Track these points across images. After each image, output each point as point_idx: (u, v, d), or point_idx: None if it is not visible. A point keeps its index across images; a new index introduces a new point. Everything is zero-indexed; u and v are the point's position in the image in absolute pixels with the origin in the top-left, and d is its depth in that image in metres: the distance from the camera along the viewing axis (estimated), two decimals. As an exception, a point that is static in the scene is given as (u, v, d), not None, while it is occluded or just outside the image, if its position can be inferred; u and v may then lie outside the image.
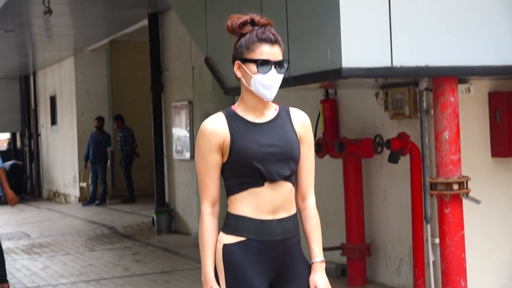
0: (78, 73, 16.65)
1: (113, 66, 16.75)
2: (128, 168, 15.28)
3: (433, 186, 5.41)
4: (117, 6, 11.24)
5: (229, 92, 6.40)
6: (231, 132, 2.91)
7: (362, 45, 4.83)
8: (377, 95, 6.71)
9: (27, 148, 20.71)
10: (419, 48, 4.97)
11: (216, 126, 2.93)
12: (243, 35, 2.93)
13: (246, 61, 2.91)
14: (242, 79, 2.94)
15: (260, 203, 2.91)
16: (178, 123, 11.32)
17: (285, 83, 5.65)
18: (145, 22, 12.21)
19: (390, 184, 6.73)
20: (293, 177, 3.00)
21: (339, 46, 4.75)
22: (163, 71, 11.86)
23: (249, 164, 2.89)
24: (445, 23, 5.04)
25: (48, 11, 10.06)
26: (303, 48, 5.33)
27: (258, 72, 2.89)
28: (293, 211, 3.00)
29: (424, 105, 6.13)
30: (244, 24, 2.94)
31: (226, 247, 2.91)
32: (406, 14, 4.94)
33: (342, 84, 6.28)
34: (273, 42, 2.90)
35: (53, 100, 18.64)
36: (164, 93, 11.83)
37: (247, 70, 2.91)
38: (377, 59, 4.85)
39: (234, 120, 2.94)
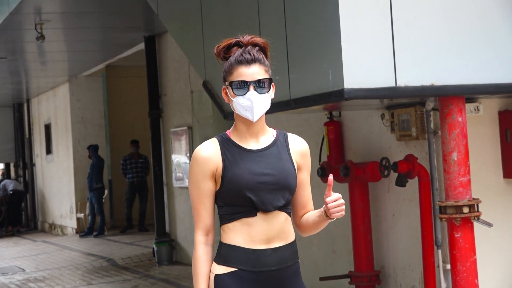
0: (73, 100, 16.73)
1: (109, 92, 16.83)
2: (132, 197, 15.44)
3: (443, 209, 5.40)
4: (112, 30, 11.33)
5: (228, 117, 6.44)
6: (224, 160, 2.92)
7: (364, 65, 4.85)
8: (382, 116, 6.73)
9: (21, 179, 20.74)
10: (424, 67, 4.99)
11: (209, 152, 2.94)
12: (228, 59, 2.96)
13: (229, 85, 2.94)
14: (230, 103, 2.96)
15: (253, 233, 2.91)
16: (177, 149, 11.35)
17: (286, 106, 5.70)
18: (141, 46, 12.30)
19: (398, 208, 6.73)
20: (288, 207, 2.99)
21: (341, 67, 4.78)
22: (161, 96, 11.91)
23: (241, 194, 2.89)
24: (450, 41, 5.07)
25: (41, 37, 10.15)
26: (303, 69, 5.37)
27: (236, 94, 2.91)
28: (290, 239, 2.98)
29: (432, 125, 6.15)
30: (228, 47, 2.96)
31: (217, 277, 2.91)
32: (410, 31, 4.97)
33: (345, 105, 6.30)
34: (249, 62, 2.90)
35: (48, 128, 18.70)
36: (163, 119, 11.88)
37: (229, 94, 2.95)
38: (381, 79, 4.87)
39: (227, 147, 2.95)
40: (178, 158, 11.36)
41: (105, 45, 12.94)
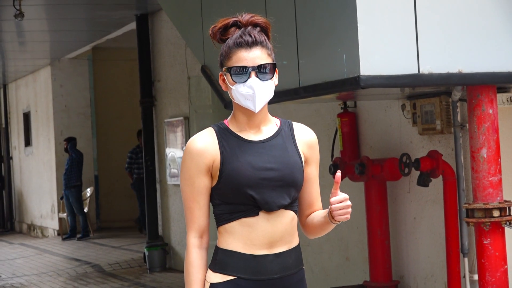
0: (55, 86, 16.75)
1: (96, 77, 16.85)
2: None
3: (470, 213, 5.41)
4: (100, 7, 11.33)
5: (229, 106, 6.43)
6: (222, 152, 2.90)
7: (383, 49, 4.85)
8: (403, 107, 6.74)
9: (-3, 174, 20.79)
10: (450, 52, 4.99)
11: (205, 144, 2.92)
12: (225, 41, 2.94)
13: (226, 71, 2.92)
14: (228, 91, 2.95)
15: (253, 236, 2.89)
16: (172, 142, 11.37)
17: (294, 95, 5.71)
18: (133, 26, 12.30)
19: (420, 211, 6.73)
20: (295, 205, 2.97)
21: (357, 51, 4.78)
22: (155, 82, 11.92)
23: (241, 191, 2.87)
24: (480, 22, 5.06)
25: (20, 14, 10.14)
26: (314, 54, 5.37)
27: (235, 82, 2.88)
28: (294, 243, 2.97)
29: (459, 118, 6.15)
30: (225, 28, 2.94)
31: (213, 287, 2.90)
32: (435, 12, 4.97)
33: (361, 95, 6.30)
34: (250, 44, 2.88)
35: (26, 117, 18.74)
36: (156, 108, 11.89)
37: (227, 81, 2.92)
38: (402, 65, 4.87)
39: (225, 137, 2.93)
40: (173, 152, 11.38)
41: (91, 24, 12.94)
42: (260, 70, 2.88)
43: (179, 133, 11.18)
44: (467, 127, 5.77)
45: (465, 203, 5.53)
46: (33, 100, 18.18)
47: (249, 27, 2.91)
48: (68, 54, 16.05)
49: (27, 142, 18.79)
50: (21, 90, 19.14)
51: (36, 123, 18.05)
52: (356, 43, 4.78)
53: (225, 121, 3.00)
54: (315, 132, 3.13)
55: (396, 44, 4.87)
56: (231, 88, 2.90)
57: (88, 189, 16.02)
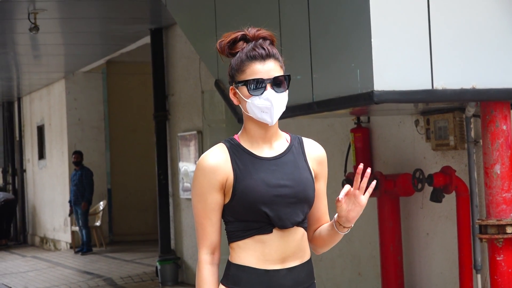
0: (69, 99, 16.82)
1: (110, 91, 16.91)
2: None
3: (483, 229, 5.39)
4: (114, 21, 11.39)
5: (242, 120, 6.45)
6: (235, 169, 2.90)
7: (397, 64, 4.86)
8: (417, 122, 6.73)
9: (10, 187, 20.86)
10: (464, 68, 4.99)
11: (218, 160, 2.91)
12: (234, 55, 2.95)
13: (238, 84, 2.92)
14: (240, 105, 2.95)
15: (266, 251, 2.90)
16: (185, 156, 11.39)
17: (308, 109, 5.72)
18: (147, 40, 12.35)
19: (433, 227, 6.72)
20: (306, 221, 2.98)
21: (371, 66, 4.79)
22: (168, 96, 11.96)
23: (255, 208, 2.87)
24: (494, 38, 5.07)
25: (35, 28, 10.22)
26: (328, 68, 5.38)
27: (251, 95, 2.88)
28: (306, 257, 2.98)
29: (472, 134, 6.14)
30: (233, 42, 2.95)
31: (226, 302, 2.91)
32: (449, 27, 4.98)
33: (375, 110, 6.30)
34: (264, 57, 2.89)
35: (40, 130, 18.81)
36: (170, 122, 11.92)
37: (241, 95, 2.91)
38: (415, 80, 4.88)
39: (238, 154, 2.93)
40: (186, 166, 11.39)
41: (106, 38, 13.00)
42: (276, 82, 2.89)
43: (192, 147, 11.20)
44: (481, 143, 5.77)
45: (478, 219, 5.52)
46: (47, 113, 18.26)
47: (260, 40, 2.93)
48: (82, 67, 16.12)
49: (41, 155, 18.85)
50: (35, 103, 19.23)
51: (49, 136, 18.11)
52: (370, 58, 4.79)
53: (236, 137, 2.99)
54: (328, 147, 3.15)
55: (410, 60, 4.88)
56: (246, 102, 2.90)
57: (101, 203, 16.05)
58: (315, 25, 5.47)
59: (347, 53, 5.10)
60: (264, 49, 2.90)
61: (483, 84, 5.00)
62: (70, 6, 10.38)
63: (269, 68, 2.89)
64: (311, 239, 3.08)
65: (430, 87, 4.89)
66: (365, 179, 2.89)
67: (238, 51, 2.93)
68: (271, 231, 2.90)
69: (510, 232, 5.29)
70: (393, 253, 6.81)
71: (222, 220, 2.97)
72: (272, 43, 2.95)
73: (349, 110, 6.02)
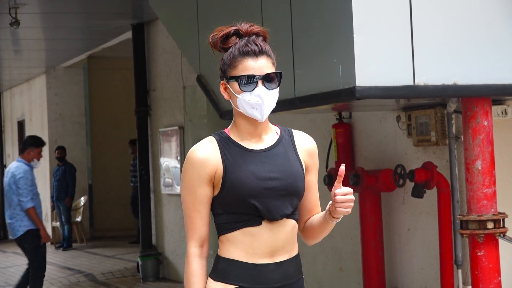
0: (50, 94, 16.74)
1: (91, 86, 16.85)
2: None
3: (464, 224, 5.42)
4: (96, 16, 11.34)
5: (225, 116, 6.45)
6: (224, 162, 2.91)
7: (379, 60, 4.87)
8: (398, 118, 6.75)
9: (-10, 182, 20.74)
10: (446, 64, 5.00)
11: (207, 153, 2.92)
12: (227, 50, 2.95)
13: (230, 79, 2.92)
14: (230, 100, 2.96)
15: (255, 245, 2.90)
16: (167, 151, 11.36)
17: (290, 105, 5.71)
18: (128, 35, 12.30)
19: (414, 222, 6.74)
20: (296, 213, 2.99)
21: (352, 62, 4.79)
22: (150, 91, 11.93)
23: (244, 201, 2.88)
24: (476, 35, 5.08)
25: (15, 22, 10.15)
26: (310, 64, 5.38)
27: (242, 90, 2.89)
28: (294, 252, 2.99)
29: (454, 130, 6.16)
30: (226, 37, 2.95)
31: (214, 295, 2.91)
32: (431, 23, 4.98)
33: (357, 106, 6.31)
34: (257, 53, 2.89)
35: (21, 125, 18.71)
36: (151, 117, 11.89)
37: (232, 90, 2.92)
38: (397, 76, 4.89)
39: (227, 147, 2.94)
40: (168, 161, 11.37)
41: (87, 33, 12.95)
42: (267, 79, 2.90)
43: (174, 143, 11.17)
44: (462, 139, 5.79)
45: (459, 215, 5.54)
46: (27, 109, 18.17)
47: (253, 36, 2.93)
48: (63, 62, 16.05)
49: (21, 151, 18.72)
50: (15, 98, 19.13)
51: (30, 132, 18.00)
52: (352, 54, 4.79)
53: (226, 130, 3.00)
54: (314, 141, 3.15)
55: (392, 56, 4.89)
56: (237, 97, 2.91)
57: (82, 198, 15.99)
58: (298, 21, 5.47)
59: (329, 49, 5.10)
60: (257, 45, 2.91)
61: (464, 80, 5.02)
62: (51, 0, 10.33)
63: (261, 65, 2.90)
64: (302, 230, 3.10)
65: (411, 83, 4.90)
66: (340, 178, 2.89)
67: (231, 46, 2.93)
68: (260, 223, 2.91)
69: (491, 227, 5.32)
70: (374, 248, 6.82)
71: (211, 213, 2.97)
72: (264, 39, 2.96)
73: (331, 105, 6.02)
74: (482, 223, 5.32)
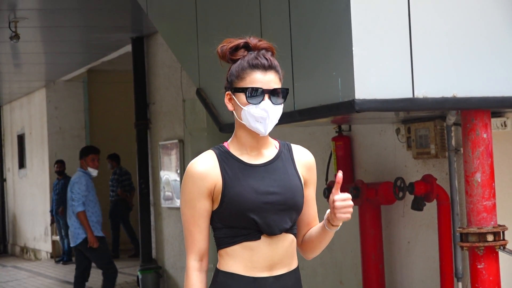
0: (50, 108, 16.75)
1: (91, 99, 16.86)
2: (126, 218, 15.40)
3: (464, 237, 5.41)
4: (95, 29, 11.36)
5: (224, 129, 6.45)
6: (224, 176, 2.91)
7: (378, 73, 4.87)
8: (398, 131, 6.75)
9: (-10, 196, 20.73)
10: (445, 76, 5.00)
11: (206, 167, 2.93)
12: (235, 61, 2.96)
13: (236, 91, 2.93)
14: (234, 112, 2.96)
15: (254, 259, 2.91)
16: (167, 165, 11.36)
17: (289, 118, 5.71)
18: (128, 48, 12.33)
19: (414, 235, 6.73)
20: (294, 228, 3.00)
21: (352, 75, 4.79)
22: (150, 105, 11.93)
23: (244, 215, 2.89)
24: (475, 47, 5.08)
25: (15, 36, 10.18)
26: (309, 77, 5.38)
27: (249, 103, 2.90)
28: (293, 265, 3.00)
29: (453, 142, 6.16)
30: (235, 48, 2.97)
31: (214, 309, 2.92)
32: (430, 36, 4.99)
33: (356, 118, 6.31)
34: (266, 68, 2.91)
35: (21, 139, 18.71)
36: (151, 130, 11.89)
37: (237, 102, 2.93)
38: (396, 89, 4.89)
39: (226, 161, 2.94)
40: (167, 175, 11.36)
41: (87, 47, 12.97)
42: (274, 94, 2.92)
43: (174, 156, 11.17)
44: (462, 152, 5.79)
45: (459, 228, 5.53)
46: (27, 122, 18.17)
47: (263, 50, 2.96)
48: (63, 76, 16.07)
49: (21, 164, 18.74)
50: (15, 112, 19.13)
51: (30, 145, 18.02)
52: (351, 67, 4.80)
53: (225, 144, 3.01)
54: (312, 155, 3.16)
55: (391, 68, 4.89)
56: (242, 109, 2.91)
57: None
58: (297, 34, 5.48)
59: (329, 61, 5.10)
60: (267, 59, 2.93)
61: (464, 93, 5.02)
62: (51, 14, 10.35)
63: (270, 79, 2.92)
64: (300, 244, 3.10)
65: (411, 96, 4.90)
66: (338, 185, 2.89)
67: (239, 58, 2.95)
68: (259, 238, 2.92)
69: (491, 240, 5.31)
70: (374, 261, 6.81)
71: (211, 226, 2.98)
72: (272, 54, 2.98)
73: (330, 118, 6.02)
74: (482, 236, 5.31)
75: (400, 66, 4.91)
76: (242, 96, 2.91)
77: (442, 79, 4.98)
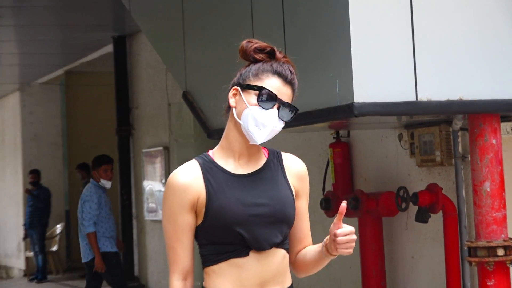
0: (24, 112, 16.72)
1: (69, 104, 16.83)
2: None
3: (472, 251, 5.42)
4: (74, 28, 11.38)
5: (213, 135, 6.45)
6: (207, 188, 2.91)
7: (378, 74, 4.88)
8: (400, 136, 6.77)
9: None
10: (450, 78, 5.02)
11: (188, 178, 2.92)
12: (255, 61, 2.98)
13: (247, 87, 2.94)
14: (234, 110, 2.95)
15: (243, 276, 2.90)
16: (150, 174, 11.36)
17: (285, 123, 5.71)
18: (109, 48, 12.34)
19: (418, 249, 6.74)
20: (286, 242, 2.99)
21: (350, 76, 4.80)
22: (132, 109, 11.94)
23: (229, 230, 2.88)
24: (482, 47, 5.10)
25: (-13, 35, 10.17)
26: (304, 78, 5.35)
27: (258, 104, 2.90)
28: (287, 283, 2.99)
29: (460, 149, 6.18)
30: (261, 50, 2.99)
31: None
32: (434, 35, 5.01)
33: (355, 123, 6.33)
34: (287, 80, 2.95)
35: (-8, 146, 18.68)
36: (133, 137, 11.90)
37: (244, 99, 2.93)
38: (398, 91, 4.90)
39: (211, 171, 2.94)
40: (151, 185, 11.36)
41: (64, 47, 12.97)
42: (284, 108, 2.93)
43: (158, 165, 11.18)
44: (469, 159, 5.80)
45: (467, 241, 5.54)
46: (0, 128, 18.15)
47: (289, 65, 3.00)
48: (39, 78, 16.06)
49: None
50: (-14, 117, 19.11)
51: (2, 153, 18.00)
52: (350, 68, 4.81)
53: (210, 153, 3.00)
54: (305, 164, 3.15)
55: (392, 69, 4.90)
56: (246, 108, 2.91)
57: (58, 226, 15.94)
58: (291, 32, 5.49)
59: (325, 62, 5.11)
60: (291, 72, 2.97)
61: (471, 95, 5.03)
62: (26, 12, 10.35)
63: (286, 93, 2.95)
64: (293, 263, 3.09)
65: (414, 99, 4.91)
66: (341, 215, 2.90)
67: (260, 60, 2.98)
68: (247, 254, 2.90)
69: (501, 254, 5.31)
70: (376, 277, 6.82)
71: (196, 243, 2.97)
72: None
73: (327, 123, 6.04)
74: (491, 250, 5.32)
75: (402, 67, 4.92)
76: (252, 96, 2.91)
77: (447, 80, 4.99)
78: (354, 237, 2.89)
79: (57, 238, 15.78)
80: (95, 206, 9.00)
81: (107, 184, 9.22)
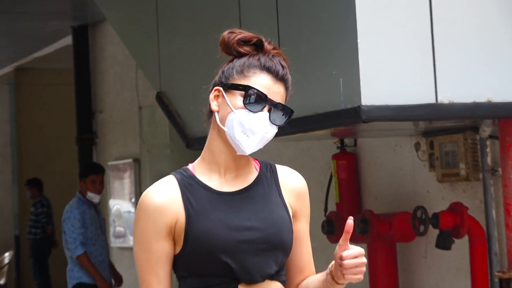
0: (-34, 117, 16.73)
1: (19, 107, 16.83)
2: (43, 262, 15.22)
3: (505, 283, 5.44)
4: (26, 17, 11.37)
5: (193, 144, 6.44)
6: (187, 208, 2.90)
7: (390, 72, 4.90)
8: (417, 146, 6.79)
9: None
10: (477, 76, 5.04)
11: (164, 198, 2.91)
12: (239, 56, 2.98)
13: (231, 87, 2.93)
14: (216, 114, 2.94)
15: None
16: (118, 192, 11.36)
17: (279, 130, 5.73)
18: (68, 40, 12.34)
19: (440, 281, 6.76)
20: (282, 273, 2.98)
21: (357, 75, 4.82)
22: (96, 114, 11.94)
23: (214, 259, 2.87)
24: (514, 39, 5.14)
25: None
26: (303, 77, 5.39)
27: (244, 107, 2.89)
28: (283, 322, 3.00)
29: (489, 160, 6.20)
30: (246, 42, 2.98)
31: None
32: (457, 27, 5.03)
33: (363, 130, 6.34)
34: (278, 76, 2.94)
35: None
36: (97, 147, 11.89)
37: (228, 101, 2.91)
38: (415, 92, 4.92)
39: (191, 189, 2.93)
40: (119, 204, 11.36)
41: (14, 39, 12.97)
42: (276, 110, 2.92)
43: (127, 180, 11.18)
44: (500, 172, 5.83)
45: (498, 271, 5.57)
46: None
47: (280, 57, 2.98)
48: (-18, 77, 16.07)
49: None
50: None
51: None
52: (356, 65, 4.82)
53: (190, 167, 2.99)
54: (304, 178, 3.14)
55: (407, 66, 4.92)
56: (231, 112, 2.90)
57: (6, 254, 15.90)
58: (285, 24, 5.50)
59: (327, 58, 5.13)
60: (282, 67, 2.96)
61: (501, 97, 5.05)
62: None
63: (278, 91, 2.93)
64: None
65: (433, 101, 4.93)
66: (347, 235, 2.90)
67: (245, 54, 2.97)
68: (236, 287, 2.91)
69: (538, 287, 5.35)
70: (388, 315, 6.84)
71: (174, 274, 2.97)
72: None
73: (330, 130, 6.05)
74: (527, 282, 5.35)
75: (419, 63, 4.94)
76: (237, 97, 2.90)
77: (473, 79, 5.01)
78: (364, 260, 2.88)
79: (5, 269, 15.75)
80: (77, 224, 8.82)
81: (95, 198, 9.07)
